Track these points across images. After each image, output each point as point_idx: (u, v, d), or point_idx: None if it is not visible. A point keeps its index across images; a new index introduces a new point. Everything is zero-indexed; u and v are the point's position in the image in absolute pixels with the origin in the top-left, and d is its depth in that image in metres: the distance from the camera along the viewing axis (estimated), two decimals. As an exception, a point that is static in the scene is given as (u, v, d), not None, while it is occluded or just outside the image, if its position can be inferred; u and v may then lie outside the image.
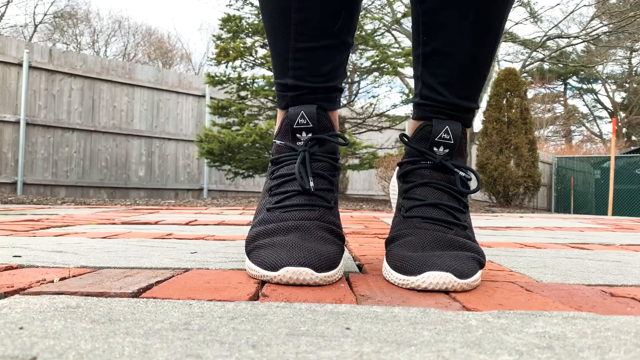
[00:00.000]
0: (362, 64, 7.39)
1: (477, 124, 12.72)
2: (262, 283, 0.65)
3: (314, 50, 0.76)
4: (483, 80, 0.80)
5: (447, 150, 0.77)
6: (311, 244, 0.67)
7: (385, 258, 0.73)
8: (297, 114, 0.76)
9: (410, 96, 7.09)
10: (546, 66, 21.12)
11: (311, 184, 0.73)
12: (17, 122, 5.83)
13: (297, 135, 0.77)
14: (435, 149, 0.77)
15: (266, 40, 6.44)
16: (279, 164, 0.78)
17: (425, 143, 0.78)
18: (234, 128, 6.37)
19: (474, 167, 9.31)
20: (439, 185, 0.75)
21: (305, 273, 0.62)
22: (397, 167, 0.85)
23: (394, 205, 0.88)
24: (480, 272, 0.66)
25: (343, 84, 0.83)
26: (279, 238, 0.69)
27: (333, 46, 0.77)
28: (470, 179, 0.78)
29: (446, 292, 0.62)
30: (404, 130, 8.60)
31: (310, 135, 0.77)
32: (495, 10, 0.75)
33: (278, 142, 0.79)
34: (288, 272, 0.62)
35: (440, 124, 0.76)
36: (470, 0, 0.73)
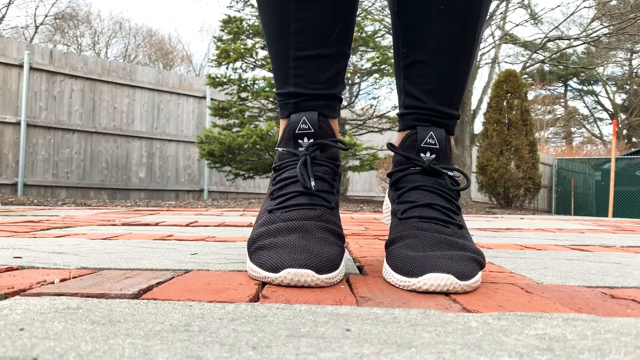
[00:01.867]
0: (362, 65, 7.40)
1: (478, 125, 12.72)
2: (263, 284, 0.65)
3: (312, 58, 0.78)
4: (463, 88, 0.83)
5: (433, 155, 0.79)
6: (312, 245, 0.67)
7: (385, 260, 0.73)
8: (299, 119, 0.78)
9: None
10: (547, 68, 21.14)
11: (312, 183, 0.74)
12: (18, 124, 5.83)
13: (299, 141, 0.79)
14: (422, 155, 0.79)
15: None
16: (280, 170, 0.80)
17: (412, 151, 0.80)
18: (234, 129, 6.38)
19: (474, 168, 9.31)
20: (430, 187, 0.77)
21: (307, 275, 0.62)
22: (389, 187, 0.87)
23: (386, 222, 0.91)
24: (480, 273, 0.66)
25: (342, 94, 0.86)
26: (280, 239, 0.69)
27: (331, 55, 0.80)
28: (459, 178, 0.80)
29: (446, 293, 0.62)
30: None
31: (312, 140, 0.79)
32: (472, 19, 0.78)
33: (280, 149, 0.81)
34: (289, 274, 0.62)
35: (425, 130, 0.79)
36: (448, 12, 0.77)
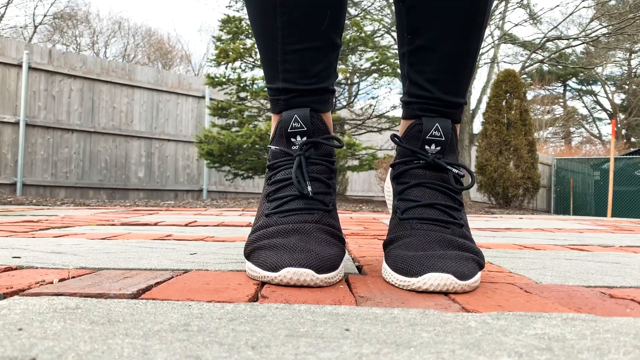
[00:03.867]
0: (361, 65, 7.40)
1: (477, 125, 12.72)
2: (262, 284, 0.65)
3: (301, 52, 0.76)
4: (470, 75, 0.80)
5: (438, 148, 0.77)
6: (312, 245, 0.67)
7: (384, 259, 0.73)
8: (291, 117, 0.76)
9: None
10: (546, 68, 21.14)
11: (309, 188, 0.73)
12: (17, 123, 5.83)
13: (292, 139, 0.77)
14: (427, 147, 0.77)
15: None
16: (275, 169, 0.78)
17: (416, 142, 0.78)
18: (233, 129, 6.37)
19: (473, 168, 9.31)
20: (433, 184, 0.75)
21: (306, 274, 0.62)
22: (391, 169, 0.85)
23: (390, 206, 0.89)
24: (479, 273, 0.66)
25: (335, 86, 0.84)
26: (280, 240, 0.69)
27: (321, 47, 0.77)
28: (463, 176, 0.78)
29: (446, 293, 0.62)
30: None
31: (304, 138, 0.77)
32: (479, 3, 0.75)
33: (273, 147, 0.79)
34: (289, 273, 0.62)
35: (430, 121, 0.76)
36: None
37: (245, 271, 0.74)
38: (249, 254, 0.71)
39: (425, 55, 0.77)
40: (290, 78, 0.77)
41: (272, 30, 0.75)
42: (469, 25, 0.75)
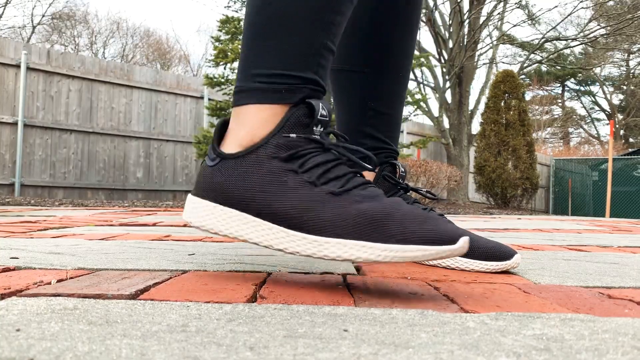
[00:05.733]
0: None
1: (475, 125, 12.75)
2: (260, 285, 0.65)
3: (335, 55, 0.75)
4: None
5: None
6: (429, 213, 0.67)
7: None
8: (319, 106, 0.70)
9: (410, 99, 7.10)
10: (544, 68, 21.18)
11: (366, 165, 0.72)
12: (15, 124, 5.82)
13: (314, 128, 0.71)
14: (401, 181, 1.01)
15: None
16: (302, 157, 0.68)
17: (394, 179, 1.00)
18: (232, 129, 6.36)
19: (472, 169, 9.32)
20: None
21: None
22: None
23: None
24: None
25: None
26: (405, 209, 0.63)
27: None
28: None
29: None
30: (404, 132, 8.61)
31: (323, 129, 0.72)
32: (409, 72, 1.08)
33: (294, 135, 0.69)
34: (466, 242, 0.58)
35: (399, 165, 1.02)
36: (405, 71, 1.05)
37: (244, 272, 0.74)
38: (392, 236, 0.60)
39: (386, 119, 1.04)
40: (322, 75, 0.73)
41: (322, 22, 0.70)
42: (404, 96, 1.09)
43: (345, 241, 0.61)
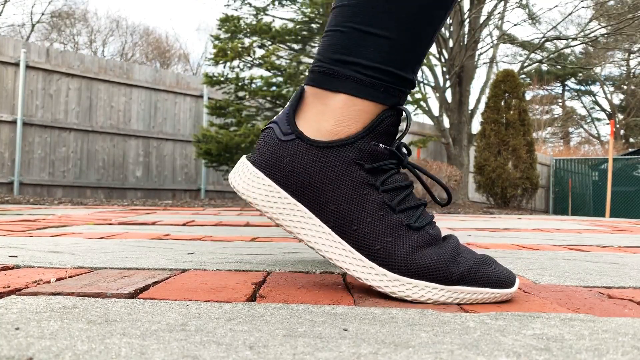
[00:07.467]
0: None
1: (476, 125, 12.73)
2: (259, 284, 0.65)
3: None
4: None
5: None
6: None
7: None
8: (410, 115, 0.65)
9: (410, 99, 7.09)
10: (544, 68, 21.18)
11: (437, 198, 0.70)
12: (14, 122, 5.82)
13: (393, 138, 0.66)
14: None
15: (264, 41, 6.52)
16: (384, 173, 0.63)
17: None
18: (231, 128, 6.37)
19: (472, 168, 9.33)
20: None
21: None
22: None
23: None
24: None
25: None
26: (469, 254, 0.63)
27: None
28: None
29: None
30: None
31: (398, 141, 0.66)
32: None
33: (382, 146, 0.63)
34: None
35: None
36: None
37: (242, 271, 0.74)
38: (461, 278, 0.59)
39: None
40: (417, 72, 0.67)
41: (435, 29, 0.65)
42: None
43: (419, 282, 0.58)
